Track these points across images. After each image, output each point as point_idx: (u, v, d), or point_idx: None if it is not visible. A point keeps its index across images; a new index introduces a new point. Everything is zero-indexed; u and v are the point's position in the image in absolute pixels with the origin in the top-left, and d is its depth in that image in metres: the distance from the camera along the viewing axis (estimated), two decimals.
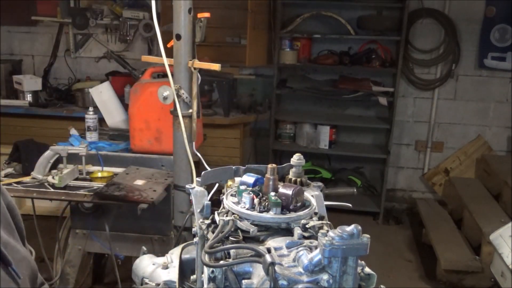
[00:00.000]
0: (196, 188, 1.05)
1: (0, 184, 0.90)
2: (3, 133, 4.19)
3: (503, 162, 4.52)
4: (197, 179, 1.08)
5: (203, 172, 1.08)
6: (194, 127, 2.25)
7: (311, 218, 0.94)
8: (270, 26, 4.65)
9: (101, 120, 3.20)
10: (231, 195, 1.00)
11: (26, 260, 0.89)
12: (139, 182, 2.48)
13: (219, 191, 1.08)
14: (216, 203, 1.03)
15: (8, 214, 0.90)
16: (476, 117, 4.84)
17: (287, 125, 4.87)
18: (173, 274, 1.19)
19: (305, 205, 0.97)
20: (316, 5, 4.65)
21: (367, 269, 0.87)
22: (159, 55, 2.18)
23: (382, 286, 0.94)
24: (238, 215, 0.93)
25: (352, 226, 0.78)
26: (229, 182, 1.08)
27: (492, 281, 3.34)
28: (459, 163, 4.94)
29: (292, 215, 0.93)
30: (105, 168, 2.70)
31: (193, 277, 1.07)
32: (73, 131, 2.94)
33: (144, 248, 1.36)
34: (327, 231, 0.80)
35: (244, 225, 0.91)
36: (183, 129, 2.21)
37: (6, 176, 2.56)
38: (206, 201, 1.02)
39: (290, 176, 1.06)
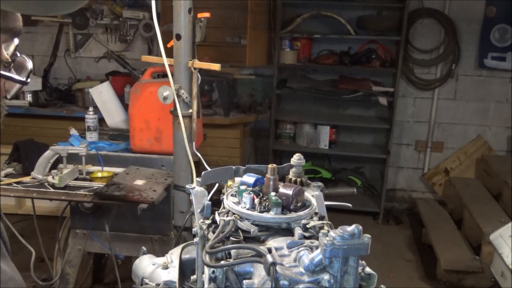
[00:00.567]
0: (196, 188, 1.05)
1: None
2: (3, 133, 4.19)
3: (503, 162, 4.52)
4: (197, 179, 1.08)
5: (203, 172, 1.08)
6: (194, 127, 2.25)
7: (311, 218, 0.94)
8: (270, 26, 4.64)
9: (101, 120, 3.20)
10: (232, 195, 1.00)
11: (13, 279, 0.88)
12: (139, 182, 2.48)
13: (219, 191, 1.08)
14: (216, 203, 1.03)
15: None
16: (476, 117, 4.84)
17: (287, 125, 4.86)
18: (173, 274, 1.19)
19: (305, 205, 0.97)
20: (316, 5, 4.65)
21: (368, 269, 0.87)
22: (159, 55, 2.18)
23: (382, 286, 0.94)
24: (238, 215, 0.93)
25: (353, 226, 0.78)
26: (229, 182, 1.08)
27: (492, 281, 3.34)
28: (459, 163, 4.93)
29: (293, 215, 0.93)
30: (105, 168, 2.70)
31: (193, 277, 1.07)
32: (73, 131, 2.95)
33: (144, 248, 1.36)
34: (328, 231, 0.80)
35: (244, 225, 0.91)
36: (183, 129, 2.21)
37: (6, 176, 2.55)
38: (206, 201, 1.02)
39: (290, 176, 1.06)
